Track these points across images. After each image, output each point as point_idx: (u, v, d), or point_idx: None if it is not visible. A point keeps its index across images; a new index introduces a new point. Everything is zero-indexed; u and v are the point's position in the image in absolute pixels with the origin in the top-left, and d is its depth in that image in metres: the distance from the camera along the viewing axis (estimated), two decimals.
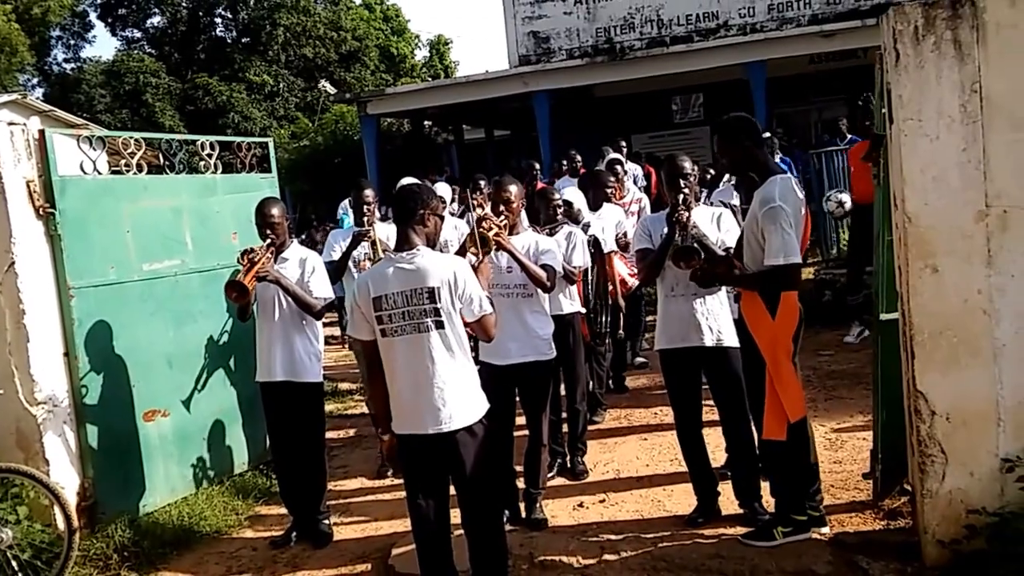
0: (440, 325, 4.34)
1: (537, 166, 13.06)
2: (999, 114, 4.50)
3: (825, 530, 5.29)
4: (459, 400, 4.38)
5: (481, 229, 5.32)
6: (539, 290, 5.81)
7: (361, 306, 4.46)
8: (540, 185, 11.62)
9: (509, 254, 5.63)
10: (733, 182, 7.97)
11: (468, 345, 4.53)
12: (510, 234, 5.72)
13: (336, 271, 7.23)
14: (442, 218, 4.66)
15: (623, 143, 12.90)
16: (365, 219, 7.24)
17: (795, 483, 5.23)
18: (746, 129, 5.16)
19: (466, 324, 4.51)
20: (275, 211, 6.08)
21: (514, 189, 5.89)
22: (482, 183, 9.80)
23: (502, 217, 5.73)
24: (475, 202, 9.02)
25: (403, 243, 4.47)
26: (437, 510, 4.51)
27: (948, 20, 4.51)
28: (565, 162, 12.75)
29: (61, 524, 5.62)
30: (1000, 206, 4.53)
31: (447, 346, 4.37)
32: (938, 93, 4.53)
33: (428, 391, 4.35)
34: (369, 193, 7.32)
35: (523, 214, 6.21)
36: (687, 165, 5.61)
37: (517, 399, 6.01)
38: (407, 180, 8.50)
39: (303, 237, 18.31)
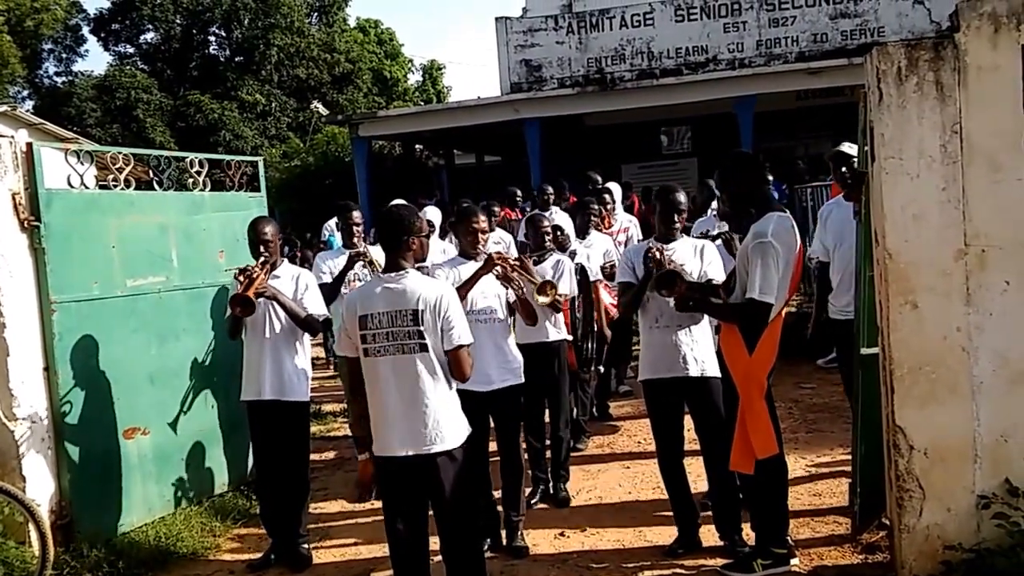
0: (424, 348, 4.35)
1: (520, 193, 13.09)
2: (979, 155, 4.57)
3: (795, 561, 5.29)
4: (441, 423, 4.38)
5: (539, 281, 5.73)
6: (524, 319, 5.86)
7: (347, 324, 4.49)
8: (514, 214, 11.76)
9: (517, 297, 5.71)
10: (715, 212, 8.01)
11: (448, 370, 4.52)
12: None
13: (330, 293, 7.18)
14: (427, 237, 4.68)
15: (597, 176, 12.79)
16: (355, 240, 7.24)
17: (772, 516, 5.24)
18: (750, 165, 5.24)
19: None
20: (268, 229, 6.11)
21: (483, 217, 5.93)
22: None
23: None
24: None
25: (391, 265, 4.49)
26: (415, 535, 4.50)
27: (930, 62, 4.58)
28: (541, 193, 11.18)
29: (36, 542, 5.58)
30: (979, 245, 4.59)
31: (430, 369, 4.38)
32: (919, 133, 4.60)
33: (409, 413, 4.35)
34: (357, 215, 7.35)
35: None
36: (681, 199, 5.69)
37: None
38: (397, 202, 8.57)
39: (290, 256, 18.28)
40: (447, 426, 4.41)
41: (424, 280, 4.48)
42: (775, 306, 4.89)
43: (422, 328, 4.34)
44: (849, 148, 5.84)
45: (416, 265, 4.63)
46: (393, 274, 4.44)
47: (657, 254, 5.37)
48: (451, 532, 4.55)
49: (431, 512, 4.55)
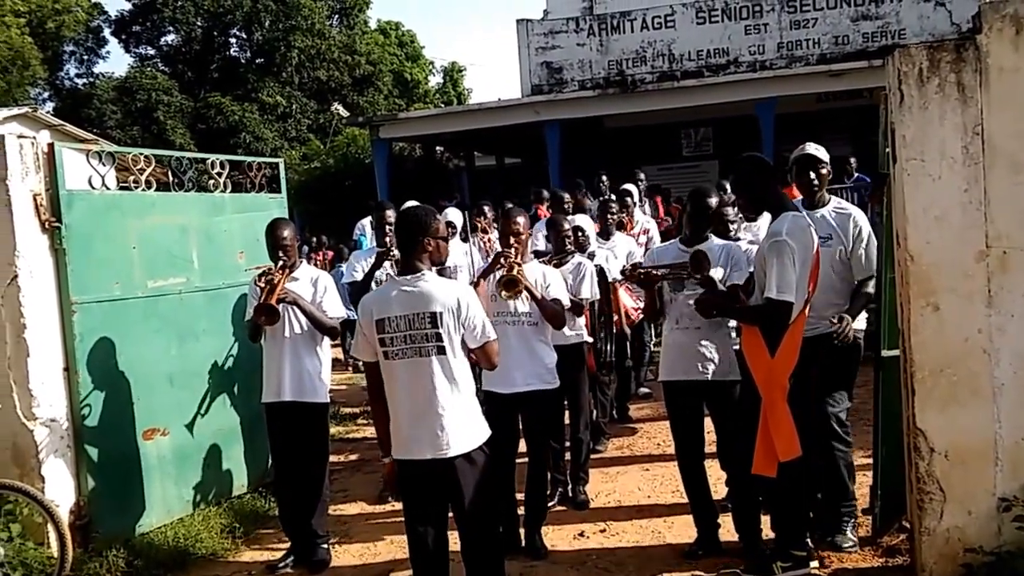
0: (441, 351, 4.33)
1: (546, 194, 13.05)
2: (1000, 157, 4.55)
3: (814, 564, 5.27)
4: (459, 426, 4.36)
5: (510, 273, 5.53)
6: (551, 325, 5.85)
7: (364, 327, 4.46)
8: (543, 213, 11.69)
9: (531, 296, 5.68)
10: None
11: (470, 371, 4.52)
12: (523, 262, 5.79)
13: (359, 291, 7.21)
14: (446, 240, 4.64)
15: (641, 175, 12.73)
16: (388, 239, 7.23)
17: (792, 518, 5.21)
18: (762, 168, 5.22)
19: (469, 350, 4.51)
20: (287, 232, 6.11)
21: (523, 220, 5.93)
22: (486, 209, 9.83)
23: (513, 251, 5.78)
24: (480, 226, 9.06)
25: (407, 267, 4.48)
26: (435, 537, 4.48)
27: (952, 63, 4.56)
28: (558, 202, 10.44)
29: (55, 543, 5.61)
30: (1000, 247, 4.57)
31: (448, 371, 4.36)
32: (941, 134, 4.58)
33: (428, 416, 4.34)
34: (391, 213, 7.32)
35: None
36: (713, 203, 5.76)
37: (520, 427, 6.01)
38: (411, 204, 8.52)
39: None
40: (465, 429, 4.40)
41: (441, 282, 4.46)
42: (795, 305, 4.86)
43: (440, 330, 4.32)
44: (815, 150, 5.73)
45: (436, 267, 4.62)
46: (409, 276, 4.42)
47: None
48: (471, 535, 4.52)
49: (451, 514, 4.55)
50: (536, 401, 5.81)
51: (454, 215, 8.73)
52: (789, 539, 5.20)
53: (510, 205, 7.78)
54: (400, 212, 4.94)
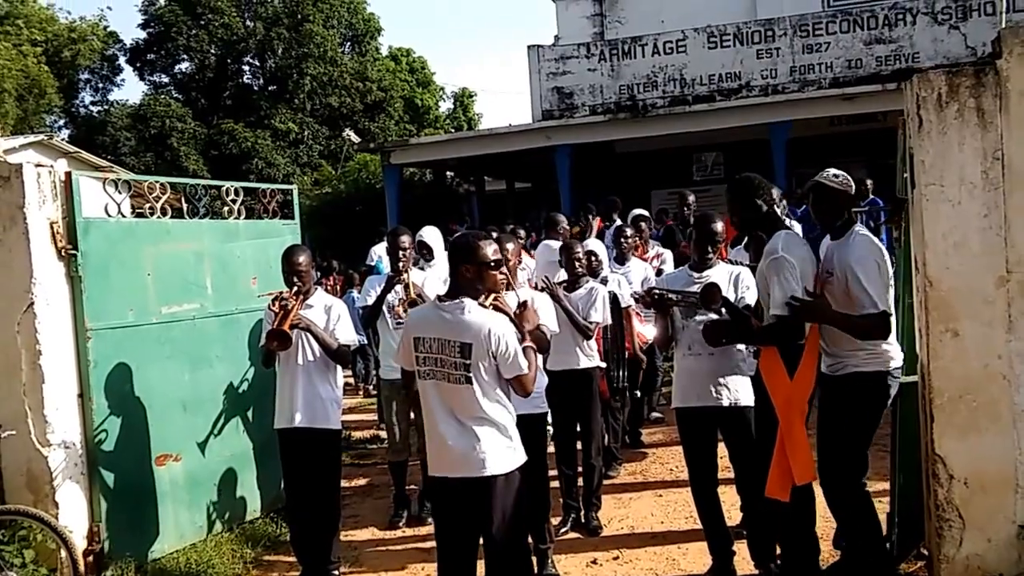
0: (468, 380, 4.32)
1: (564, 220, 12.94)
2: (1020, 181, 4.53)
3: None
4: (489, 448, 4.35)
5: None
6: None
7: (405, 340, 4.53)
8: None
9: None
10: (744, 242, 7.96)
11: (507, 395, 4.48)
12: (506, 291, 5.67)
13: (370, 316, 7.36)
14: (494, 267, 4.53)
15: (691, 197, 12.28)
16: (401, 264, 7.23)
17: (804, 544, 5.17)
18: (756, 188, 5.20)
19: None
20: (303, 259, 6.11)
21: (511, 247, 5.88)
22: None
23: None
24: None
25: (449, 291, 4.49)
26: (464, 558, 4.48)
27: (971, 88, 4.55)
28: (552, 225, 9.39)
29: (68, 569, 5.58)
30: (1021, 272, 4.56)
31: (476, 399, 4.34)
32: (960, 159, 4.57)
33: (459, 436, 4.35)
34: (405, 239, 7.30)
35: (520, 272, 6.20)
36: (718, 228, 5.74)
37: None
38: (428, 228, 8.43)
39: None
40: (496, 451, 4.37)
41: (478, 312, 4.40)
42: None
43: (469, 362, 4.30)
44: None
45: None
46: (449, 302, 4.40)
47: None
48: (499, 557, 4.48)
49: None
50: (525, 425, 5.68)
51: (428, 234, 8.36)
52: (801, 565, 5.16)
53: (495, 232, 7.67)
54: (453, 239, 4.92)
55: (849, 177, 4.97)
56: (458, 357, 4.30)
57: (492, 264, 4.47)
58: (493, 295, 4.57)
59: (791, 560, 5.22)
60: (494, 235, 6.24)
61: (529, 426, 5.59)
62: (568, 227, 8.50)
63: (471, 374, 4.30)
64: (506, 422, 4.45)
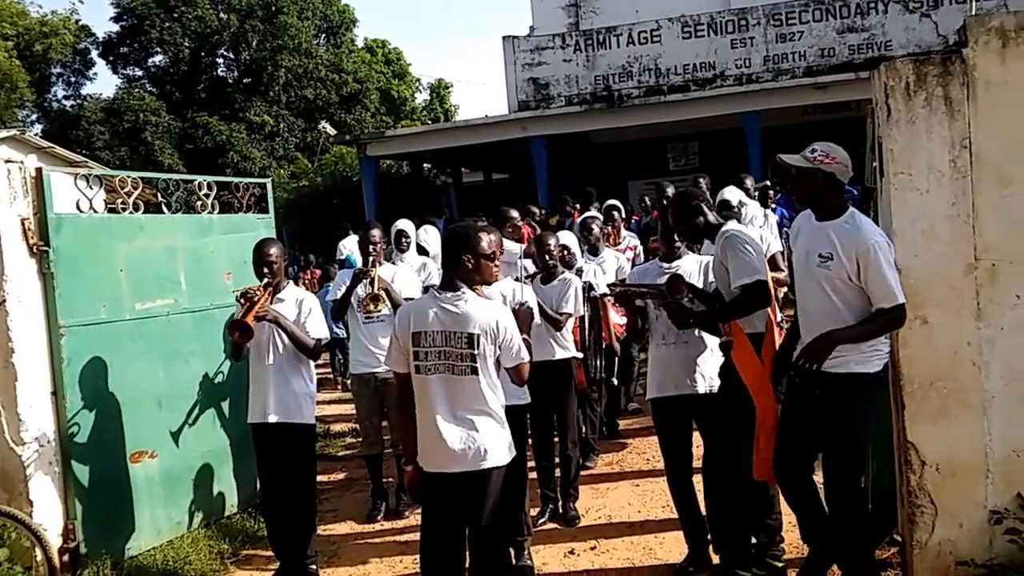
0: (475, 371, 4.35)
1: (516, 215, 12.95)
2: (988, 169, 4.56)
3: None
4: (490, 440, 4.39)
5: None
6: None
7: (400, 338, 4.49)
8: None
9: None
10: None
11: (501, 389, 4.52)
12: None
13: (338, 310, 7.33)
14: (492, 258, 4.56)
15: (670, 189, 11.98)
16: (371, 258, 7.22)
17: (772, 524, 5.34)
18: (695, 201, 5.35)
19: (502, 367, 4.53)
20: (273, 251, 6.09)
21: (493, 238, 5.87)
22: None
23: None
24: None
25: (447, 283, 4.48)
26: (454, 553, 4.50)
27: (939, 77, 4.58)
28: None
29: (43, 567, 5.56)
30: (989, 259, 4.59)
31: (480, 389, 4.38)
32: (928, 148, 4.60)
33: (459, 430, 4.37)
34: (376, 233, 7.29)
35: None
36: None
37: None
38: (401, 222, 8.53)
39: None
40: (496, 443, 4.42)
41: (480, 303, 4.44)
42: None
43: (476, 352, 4.33)
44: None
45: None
46: (448, 294, 4.41)
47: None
48: (486, 551, 4.52)
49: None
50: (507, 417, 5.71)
51: (404, 225, 8.58)
52: (771, 546, 5.34)
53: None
54: (448, 231, 4.93)
55: (838, 151, 4.49)
56: (465, 348, 4.33)
57: (491, 255, 4.53)
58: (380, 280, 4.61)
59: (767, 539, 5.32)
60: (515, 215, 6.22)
61: (513, 417, 5.63)
62: (520, 222, 8.44)
63: (477, 364, 4.33)
64: (502, 414, 4.50)
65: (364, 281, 7.11)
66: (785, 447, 4.75)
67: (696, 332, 5.47)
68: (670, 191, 8.04)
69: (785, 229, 9.58)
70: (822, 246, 4.44)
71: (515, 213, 8.41)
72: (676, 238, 5.74)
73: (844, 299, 4.40)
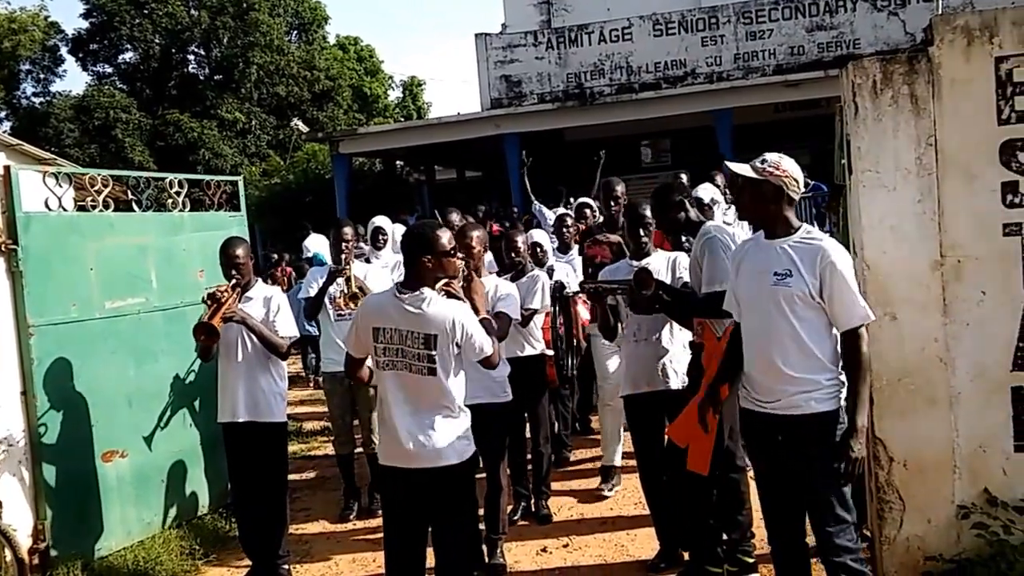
0: (433, 372, 4.33)
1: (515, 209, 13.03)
2: (953, 167, 4.61)
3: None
4: (446, 438, 4.37)
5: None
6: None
7: (360, 327, 4.48)
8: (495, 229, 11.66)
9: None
10: None
11: (463, 388, 4.50)
12: (474, 279, 5.71)
13: (312, 308, 7.32)
14: (452, 255, 4.51)
15: (619, 187, 12.08)
16: (343, 256, 7.21)
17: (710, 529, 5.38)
18: (674, 195, 5.43)
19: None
20: (240, 251, 6.06)
21: (476, 234, 5.89)
22: (454, 217, 9.78)
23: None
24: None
25: (407, 282, 4.44)
26: (413, 549, 4.49)
27: (905, 75, 4.62)
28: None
29: (12, 568, 5.52)
30: (955, 256, 4.63)
31: (439, 388, 4.36)
32: (895, 145, 4.64)
33: (415, 427, 4.35)
34: (348, 231, 7.29)
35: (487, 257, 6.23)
36: (647, 214, 5.74)
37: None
38: (378, 218, 8.58)
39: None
40: (453, 441, 4.39)
41: (438, 303, 4.39)
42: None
43: (433, 353, 4.31)
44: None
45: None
46: (408, 293, 4.37)
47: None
48: (447, 549, 4.50)
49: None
50: (485, 415, 5.56)
51: (382, 222, 8.71)
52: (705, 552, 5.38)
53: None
54: (407, 229, 4.91)
55: (789, 164, 4.14)
56: (422, 348, 4.31)
57: (451, 252, 4.49)
58: (444, 280, 4.60)
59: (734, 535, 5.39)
60: (455, 219, 6.24)
61: (491, 415, 5.65)
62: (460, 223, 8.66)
63: (435, 364, 4.31)
64: (463, 412, 4.49)
65: (339, 280, 7.11)
66: (771, 513, 4.38)
67: (668, 329, 5.51)
68: (619, 189, 8.05)
69: None
70: (778, 263, 4.06)
71: (455, 216, 8.62)
72: (643, 234, 5.75)
73: (801, 317, 4.01)
